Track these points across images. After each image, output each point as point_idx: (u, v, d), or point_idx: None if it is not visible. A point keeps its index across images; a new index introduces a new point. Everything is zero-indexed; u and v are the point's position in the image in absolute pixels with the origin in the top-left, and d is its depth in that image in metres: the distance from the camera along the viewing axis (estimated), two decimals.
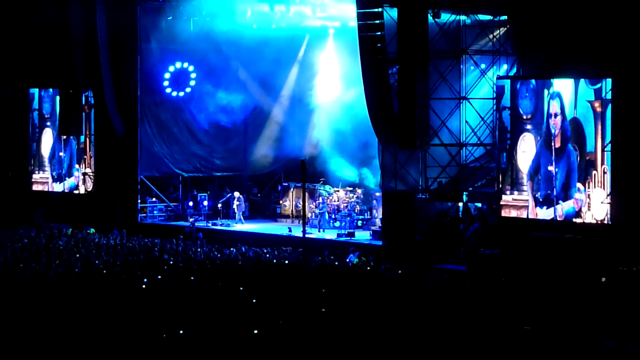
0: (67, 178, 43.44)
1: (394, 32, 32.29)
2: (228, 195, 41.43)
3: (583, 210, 29.51)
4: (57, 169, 43.96)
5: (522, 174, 31.12)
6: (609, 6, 30.04)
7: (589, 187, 29.43)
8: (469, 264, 30.84)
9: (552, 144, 30.32)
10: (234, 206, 40.82)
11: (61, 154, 43.75)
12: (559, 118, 30.19)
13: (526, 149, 31.05)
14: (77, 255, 30.42)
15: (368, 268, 30.25)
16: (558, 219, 30.10)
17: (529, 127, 30.96)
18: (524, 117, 31.10)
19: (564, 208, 29.92)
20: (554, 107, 30.32)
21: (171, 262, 29.37)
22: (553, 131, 30.29)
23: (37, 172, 44.81)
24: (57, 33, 41.17)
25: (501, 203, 31.54)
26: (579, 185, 29.65)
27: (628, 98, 29.18)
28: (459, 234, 32.48)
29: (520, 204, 31.12)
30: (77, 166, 43.00)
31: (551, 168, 30.31)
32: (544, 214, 30.47)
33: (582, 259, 28.76)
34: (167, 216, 42.42)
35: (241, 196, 41.07)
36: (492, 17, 33.91)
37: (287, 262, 30.30)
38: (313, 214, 39.22)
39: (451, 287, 26.12)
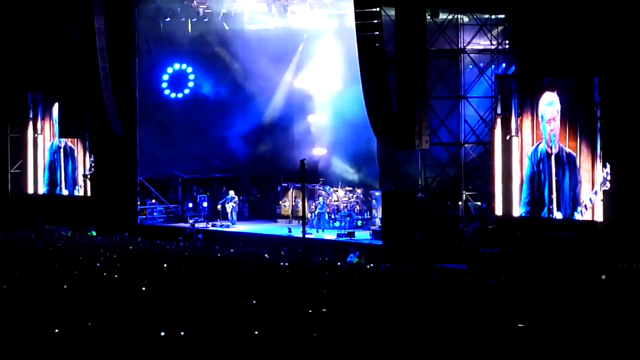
0: (69, 180, 43.53)
1: (392, 31, 32.30)
2: (227, 197, 41.43)
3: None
4: (56, 171, 43.95)
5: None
6: (608, 4, 30.03)
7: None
8: (469, 262, 30.86)
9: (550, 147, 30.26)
10: (227, 206, 40.72)
11: (60, 155, 43.81)
12: (557, 117, 30.09)
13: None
14: (79, 258, 30.43)
15: (368, 267, 30.26)
16: None
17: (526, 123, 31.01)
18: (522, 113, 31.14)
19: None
20: (552, 109, 30.11)
21: (171, 264, 29.38)
22: (550, 131, 30.18)
23: (36, 174, 44.80)
24: (56, 35, 41.16)
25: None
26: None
27: (624, 95, 29.17)
28: (459, 233, 32.48)
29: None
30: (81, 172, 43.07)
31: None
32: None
33: (582, 256, 28.77)
34: (167, 218, 42.43)
35: (235, 196, 41.01)
36: (490, 16, 33.89)
37: (287, 263, 30.31)
38: (313, 214, 39.22)
39: (451, 285, 26.15)
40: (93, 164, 42.24)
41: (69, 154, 43.33)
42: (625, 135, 29.02)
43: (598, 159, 28.78)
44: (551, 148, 29.77)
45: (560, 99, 29.78)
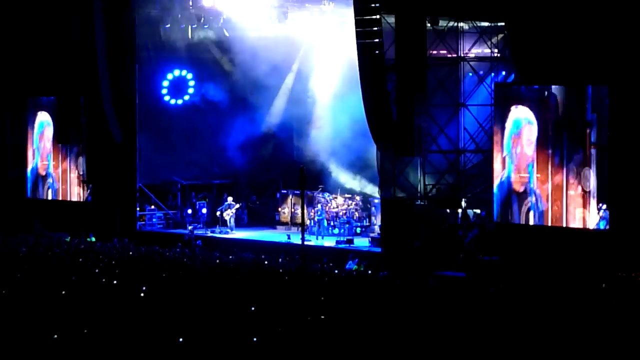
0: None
1: (392, 38, 32.32)
2: (226, 203, 41.42)
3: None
4: (52, 177, 43.97)
5: None
6: (607, 12, 30.03)
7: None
8: (468, 270, 30.85)
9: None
10: (225, 213, 40.67)
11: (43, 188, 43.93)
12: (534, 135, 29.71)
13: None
14: (77, 263, 30.43)
15: (367, 274, 30.22)
16: None
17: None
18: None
19: None
20: (530, 132, 29.85)
21: (170, 270, 29.36)
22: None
23: (33, 179, 44.82)
24: (56, 41, 41.21)
25: None
26: None
27: (625, 105, 29.14)
28: (458, 241, 32.48)
29: None
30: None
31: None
32: None
33: (581, 265, 28.76)
34: (166, 224, 42.41)
35: (234, 203, 40.97)
36: (490, 23, 33.92)
37: (286, 269, 30.29)
38: (312, 221, 39.18)
39: (450, 293, 26.11)
40: (92, 170, 42.24)
41: (50, 187, 43.42)
42: (623, 144, 28.95)
43: (592, 198, 28.67)
44: (524, 185, 29.56)
45: (539, 119, 29.81)
